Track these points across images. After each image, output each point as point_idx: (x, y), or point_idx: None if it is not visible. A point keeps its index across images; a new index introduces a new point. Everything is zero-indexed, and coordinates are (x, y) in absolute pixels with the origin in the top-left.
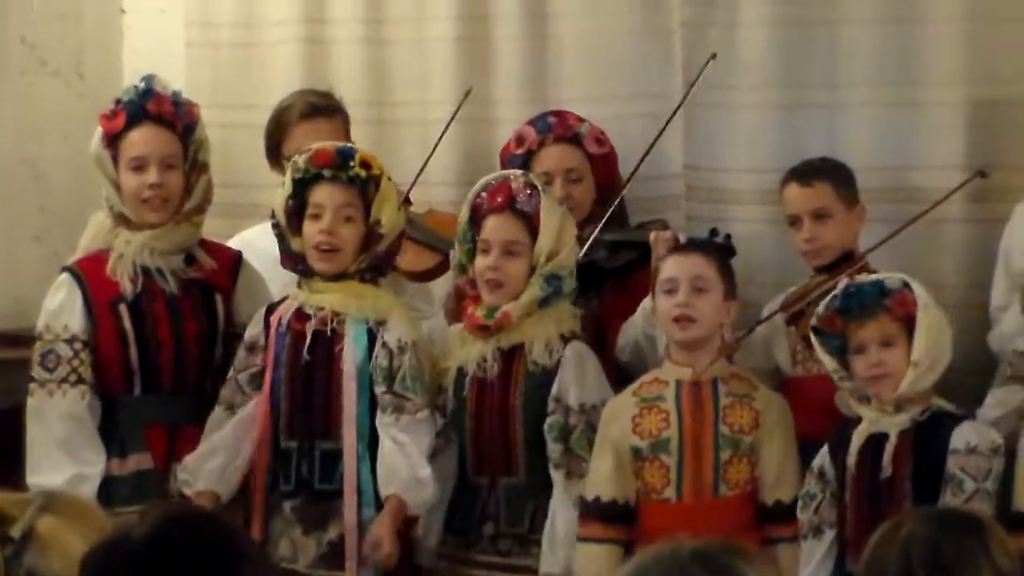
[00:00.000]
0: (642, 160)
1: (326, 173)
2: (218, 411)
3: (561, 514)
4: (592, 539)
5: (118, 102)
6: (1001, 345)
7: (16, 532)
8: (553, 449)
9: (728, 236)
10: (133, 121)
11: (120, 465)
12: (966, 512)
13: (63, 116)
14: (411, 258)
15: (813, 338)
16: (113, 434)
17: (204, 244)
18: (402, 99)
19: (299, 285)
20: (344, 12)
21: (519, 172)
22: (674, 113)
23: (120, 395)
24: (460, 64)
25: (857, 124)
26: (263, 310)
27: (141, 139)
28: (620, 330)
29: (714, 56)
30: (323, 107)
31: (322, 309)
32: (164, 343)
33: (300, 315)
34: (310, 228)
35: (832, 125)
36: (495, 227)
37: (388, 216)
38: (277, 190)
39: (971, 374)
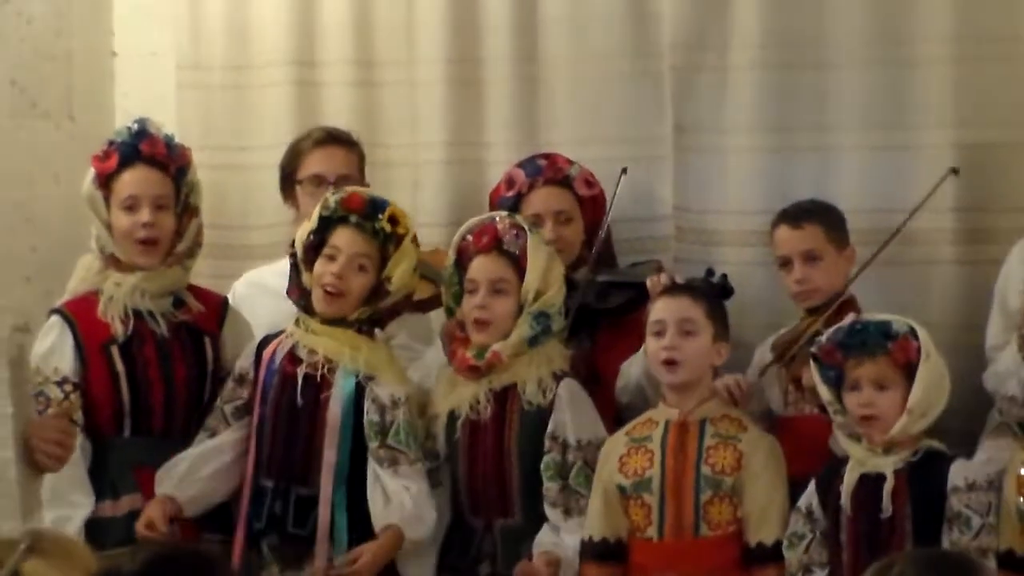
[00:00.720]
0: (611, 203)
1: (352, 219)
2: (201, 437)
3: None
4: None
5: (111, 143)
6: (995, 385)
7: (3, 575)
8: (549, 488)
9: (724, 276)
10: (126, 162)
11: (113, 507)
12: (956, 554)
13: (54, 157)
14: None
15: (812, 366)
16: (104, 476)
17: (191, 288)
18: (393, 141)
19: (297, 322)
20: (334, 54)
21: (504, 213)
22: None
23: (110, 437)
24: (450, 107)
25: (846, 167)
26: (255, 343)
27: (134, 179)
28: (618, 371)
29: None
30: (340, 136)
31: (314, 352)
32: (155, 384)
33: (292, 357)
34: (322, 267)
35: (821, 168)
36: (482, 267)
37: (400, 275)
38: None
39: (960, 416)
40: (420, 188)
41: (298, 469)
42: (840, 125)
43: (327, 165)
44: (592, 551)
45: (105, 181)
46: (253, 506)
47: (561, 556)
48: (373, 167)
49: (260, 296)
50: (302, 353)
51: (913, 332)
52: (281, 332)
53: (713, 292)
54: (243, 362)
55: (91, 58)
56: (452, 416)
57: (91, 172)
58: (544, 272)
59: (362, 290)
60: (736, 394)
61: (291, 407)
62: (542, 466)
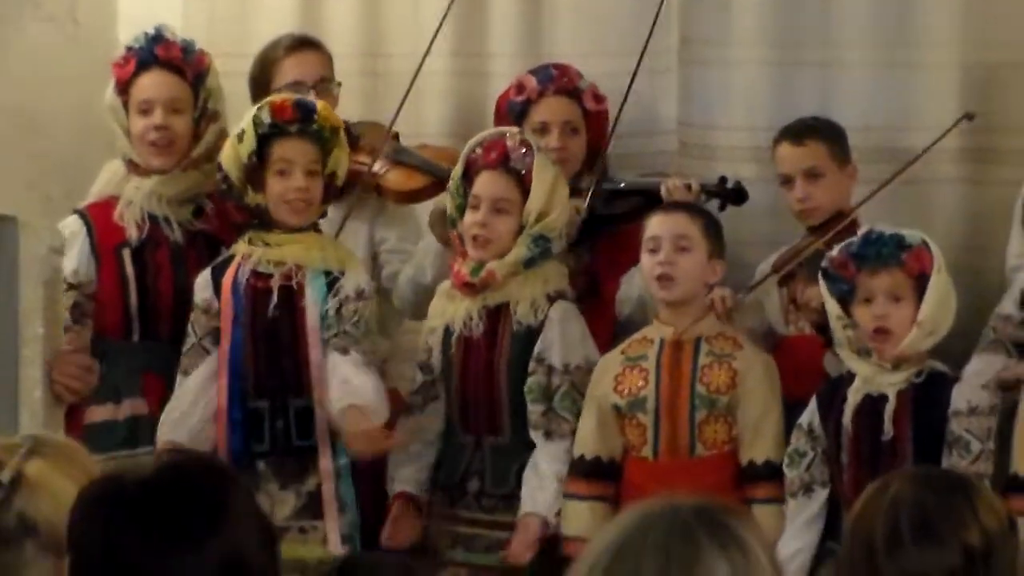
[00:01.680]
0: (618, 117)
1: (291, 128)
2: (181, 380)
3: (544, 460)
4: (576, 496)
5: (129, 49)
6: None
7: (5, 477)
8: (532, 411)
9: (738, 182)
10: (142, 66)
11: (115, 410)
12: (954, 473)
13: (57, 61)
14: (400, 179)
15: (821, 280)
16: (108, 379)
17: (214, 198)
18: (396, 51)
19: (249, 241)
20: None
21: (516, 130)
22: (634, 77)
23: (117, 341)
24: (454, 17)
25: (851, 84)
26: (206, 273)
27: (149, 83)
28: (618, 284)
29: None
30: (310, 40)
31: (282, 264)
32: (164, 291)
33: (257, 274)
34: (280, 184)
35: (826, 84)
36: (486, 183)
37: (342, 168)
38: (227, 143)
39: (964, 338)
40: (422, 99)
41: (290, 381)
42: (846, 41)
43: (304, 69)
44: (583, 468)
45: (124, 87)
46: (251, 429)
47: (544, 516)
48: (376, 77)
49: None
50: (269, 268)
51: (926, 244)
52: (229, 258)
53: (728, 197)
54: (204, 293)
55: None
56: (448, 331)
57: (112, 81)
58: (548, 193)
59: (320, 193)
60: (719, 308)
61: (268, 323)
62: (526, 388)
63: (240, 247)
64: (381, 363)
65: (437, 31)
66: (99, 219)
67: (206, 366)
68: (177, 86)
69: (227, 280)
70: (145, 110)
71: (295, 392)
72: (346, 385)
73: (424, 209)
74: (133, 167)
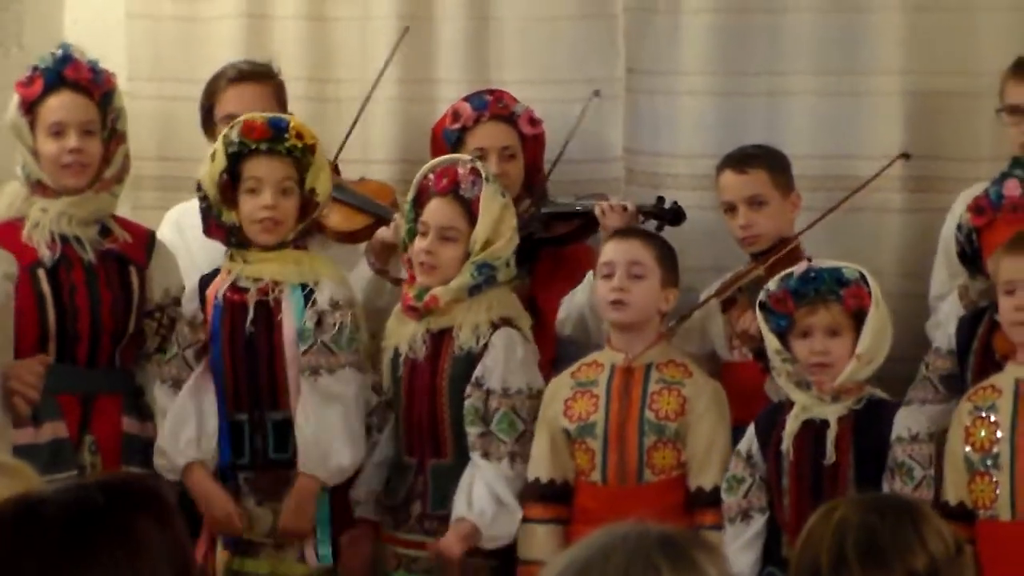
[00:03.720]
0: (564, 147)
1: (261, 146)
2: (164, 389)
3: (480, 477)
4: (533, 520)
5: (35, 69)
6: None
7: None
8: (470, 432)
9: (675, 202)
10: (51, 87)
11: (35, 433)
12: (900, 498)
13: (2, 86)
14: (340, 220)
15: (758, 314)
16: None
17: (117, 219)
18: (344, 76)
19: (231, 258)
20: None
21: (467, 158)
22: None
23: None
24: (402, 44)
25: (797, 112)
26: (196, 284)
27: (60, 105)
28: (559, 304)
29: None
30: (252, 72)
31: (259, 280)
32: (81, 310)
33: (236, 288)
34: (250, 203)
35: (772, 113)
36: (434, 211)
37: (322, 184)
38: (204, 162)
39: (902, 362)
40: (370, 125)
41: (266, 395)
42: (792, 70)
43: (240, 104)
44: (538, 492)
45: (30, 107)
46: (232, 442)
47: (476, 524)
48: (324, 103)
49: (190, 232)
50: (247, 283)
51: (863, 278)
52: (217, 271)
53: (665, 218)
54: (190, 305)
55: None
56: (396, 353)
57: (15, 98)
58: (495, 222)
59: (294, 211)
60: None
61: (246, 338)
62: (464, 411)
63: (225, 263)
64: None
65: (388, 62)
66: (6, 241)
67: (195, 380)
68: (88, 108)
69: (210, 294)
70: (57, 132)
71: (271, 406)
72: (312, 448)
73: None
74: (40, 188)
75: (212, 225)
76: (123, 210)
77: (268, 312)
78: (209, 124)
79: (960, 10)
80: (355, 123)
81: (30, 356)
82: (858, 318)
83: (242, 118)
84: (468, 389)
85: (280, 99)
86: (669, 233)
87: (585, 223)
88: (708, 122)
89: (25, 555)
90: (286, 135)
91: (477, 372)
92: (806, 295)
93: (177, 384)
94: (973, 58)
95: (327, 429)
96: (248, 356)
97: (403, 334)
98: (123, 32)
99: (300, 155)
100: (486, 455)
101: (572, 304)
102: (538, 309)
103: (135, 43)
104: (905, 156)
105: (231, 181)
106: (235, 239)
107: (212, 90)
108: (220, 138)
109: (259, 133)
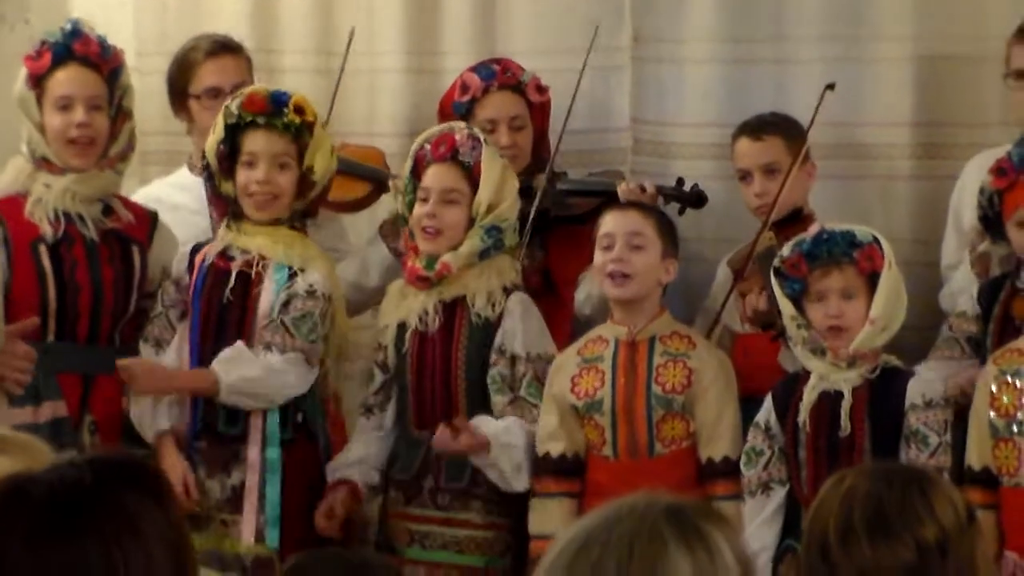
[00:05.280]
0: (567, 116)
1: (260, 120)
2: (144, 349)
3: (516, 426)
4: (545, 494)
5: (43, 43)
6: (950, 305)
7: None
8: (497, 401)
9: (696, 184)
10: (59, 61)
11: (35, 413)
12: (910, 467)
13: (9, 61)
14: (339, 191)
15: (773, 280)
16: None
17: (120, 198)
18: (350, 49)
19: (228, 226)
20: None
21: (462, 124)
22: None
23: (33, 341)
24: (408, 15)
25: (805, 79)
26: (189, 248)
27: (68, 79)
28: (574, 280)
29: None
30: (229, 44)
31: (247, 251)
32: (83, 288)
33: (223, 255)
34: (245, 176)
35: (780, 80)
36: (435, 176)
37: (321, 162)
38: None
39: (917, 331)
40: (376, 96)
41: None
42: (799, 36)
43: (221, 76)
44: (550, 466)
45: (37, 81)
46: (192, 410)
47: (488, 439)
48: (331, 75)
49: (165, 213)
50: (235, 253)
51: (876, 241)
52: (211, 240)
53: (687, 200)
54: (179, 266)
55: None
56: (401, 328)
57: (23, 72)
58: (498, 185)
59: (290, 187)
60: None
61: (223, 304)
62: (488, 379)
63: (221, 231)
64: (319, 363)
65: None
66: (9, 215)
67: (177, 342)
68: (96, 83)
69: (199, 258)
70: (65, 106)
71: None
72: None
73: None
74: (45, 164)
75: (212, 195)
76: (130, 184)
77: (247, 283)
78: (180, 100)
79: None
80: (335, 96)
81: (31, 334)
82: (872, 282)
83: (247, 89)
84: (493, 356)
85: (250, 71)
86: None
87: (603, 201)
88: (715, 90)
89: (12, 535)
90: (285, 109)
91: (498, 339)
92: (819, 257)
93: (159, 344)
94: (981, 23)
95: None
96: (219, 324)
97: (409, 307)
98: (130, 7)
99: (298, 131)
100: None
101: (591, 284)
102: (553, 284)
103: (142, 18)
104: (830, 87)
105: (228, 153)
106: (233, 210)
107: (186, 64)
108: (223, 109)
109: (258, 106)
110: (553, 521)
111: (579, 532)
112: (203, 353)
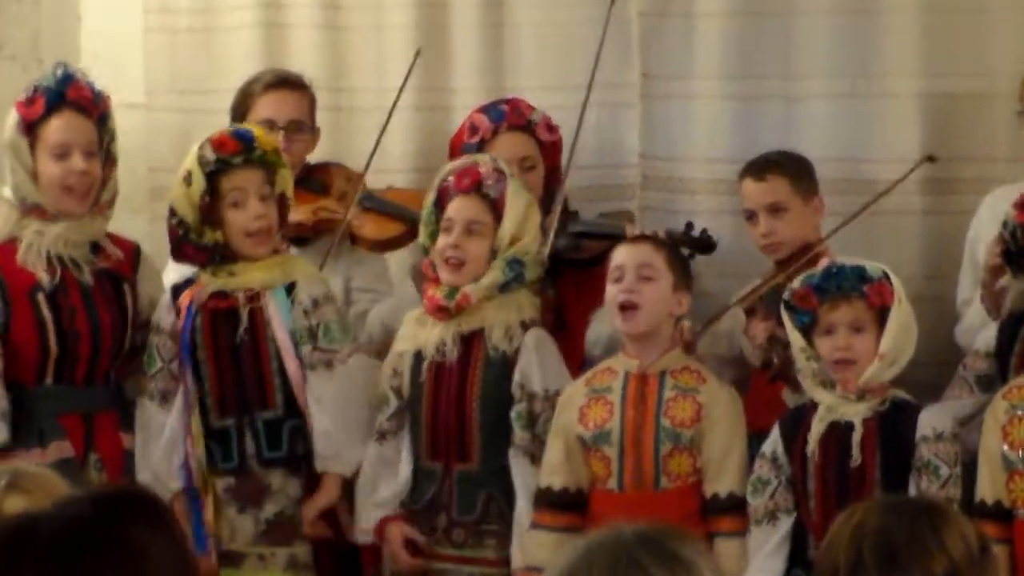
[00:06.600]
0: (572, 150)
1: (236, 160)
2: (149, 405)
3: (526, 507)
4: (544, 527)
5: (36, 89)
6: (965, 341)
7: None
8: (521, 437)
9: (705, 230)
10: (53, 108)
11: (42, 455)
12: (921, 500)
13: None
14: (374, 228)
15: (783, 313)
16: (28, 425)
17: (108, 235)
18: (359, 85)
19: (213, 273)
20: None
21: (487, 157)
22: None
23: (30, 385)
24: (418, 51)
25: (813, 115)
26: (167, 296)
27: (63, 126)
28: (586, 319)
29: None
30: (290, 79)
31: (249, 289)
32: (82, 334)
33: (218, 294)
34: (238, 216)
35: (788, 116)
36: (459, 207)
37: (289, 186)
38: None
39: (927, 366)
40: (386, 133)
41: (255, 397)
42: (807, 73)
43: (277, 110)
44: (551, 499)
45: (30, 128)
46: (218, 448)
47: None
48: (339, 112)
49: None
50: (234, 292)
51: (887, 276)
52: (188, 281)
53: (695, 245)
54: (168, 318)
55: (58, 1)
56: (418, 357)
57: (14, 118)
58: (522, 218)
59: (276, 217)
60: (686, 337)
61: (235, 344)
62: (513, 415)
63: (203, 277)
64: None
65: (405, 80)
66: (3, 263)
67: (181, 398)
68: (90, 129)
69: (183, 303)
70: (61, 154)
71: (260, 406)
72: (329, 445)
73: None
74: (35, 210)
75: (186, 249)
76: (140, 222)
77: (251, 317)
78: None
79: (975, 11)
80: (380, 137)
81: (28, 379)
82: (882, 317)
83: (208, 136)
84: (516, 393)
85: (311, 110)
86: None
87: (612, 246)
88: (723, 126)
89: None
90: (255, 144)
91: (517, 376)
92: (829, 291)
93: (165, 398)
94: (988, 59)
95: (343, 425)
96: (234, 362)
97: (427, 337)
98: (140, 45)
99: (271, 162)
100: (534, 459)
101: (602, 323)
102: (566, 322)
103: (152, 56)
104: (930, 159)
105: (212, 201)
106: (219, 256)
107: (245, 95)
108: (194, 160)
109: (231, 147)
110: (548, 555)
111: (559, 572)
112: (224, 398)
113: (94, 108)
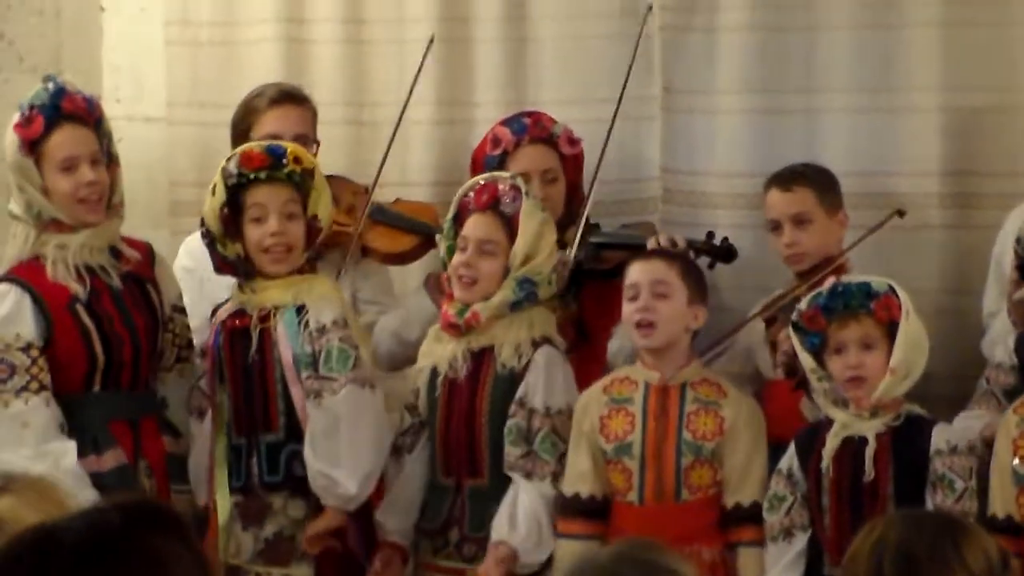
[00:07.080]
0: (599, 163)
1: (261, 175)
2: (194, 422)
3: (524, 497)
4: (572, 535)
5: (31, 107)
6: (992, 352)
7: None
8: (510, 452)
9: (726, 239)
10: (52, 123)
11: (99, 462)
12: (941, 514)
13: None
14: (386, 242)
15: (792, 335)
16: (82, 434)
17: (123, 239)
18: (380, 100)
19: (240, 289)
20: (323, 12)
21: (507, 174)
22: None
23: (79, 394)
24: (438, 65)
25: (835, 129)
26: (208, 314)
27: (66, 140)
28: (607, 331)
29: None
30: (294, 94)
31: (264, 308)
32: (123, 338)
33: (236, 315)
34: (256, 231)
35: (810, 130)
36: (474, 225)
37: (324, 208)
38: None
39: (950, 380)
40: (408, 147)
41: (260, 419)
42: (829, 87)
43: (283, 125)
44: (579, 507)
45: (32, 147)
46: (234, 466)
47: (517, 548)
48: (360, 126)
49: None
50: (251, 311)
51: (893, 290)
52: (228, 300)
53: (716, 254)
54: (203, 334)
55: (79, 13)
56: (434, 372)
57: (14, 140)
58: (535, 237)
59: (301, 237)
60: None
61: (247, 364)
62: (505, 430)
63: (234, 293)
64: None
65: (414, 83)
66: (35, 280)
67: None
68: (92, 138)
69: (214, 322)
70: (68, 168)
71: (264, 428)
72: (320, 480)
73: None
74: (55, 225)
75: (216, 260)
76: (162, 235)
77: (261, 337)
78: (241, 143)
79: (996, 25)
80: (389, 147)
81: (76, 389)
82: (892, 332)
83: (239, 149)
84: (512, 408)
85: (314, 124)
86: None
87: (633, 255)
88: (745, 140)
89: None
90: (284, 160)
91: (520, 392)
92: (836, 310)
93: (201, 414)
94: (1010, 73)
95: (332, 461)
96: (246, 382)
97: (442, 353)
98: (161, 58)
99: (300, 180)
100: (528, 475)
101: (623, 337)
102: (587, 333)
103: (173, 70)
104: (900, 213)
105: (232, 214)
106: (243, 270)
107: (249, 110)
108: (219, 172)
109: (258, 162)
110: None
111: None
112: (239, 417)
113: (90, 116)
